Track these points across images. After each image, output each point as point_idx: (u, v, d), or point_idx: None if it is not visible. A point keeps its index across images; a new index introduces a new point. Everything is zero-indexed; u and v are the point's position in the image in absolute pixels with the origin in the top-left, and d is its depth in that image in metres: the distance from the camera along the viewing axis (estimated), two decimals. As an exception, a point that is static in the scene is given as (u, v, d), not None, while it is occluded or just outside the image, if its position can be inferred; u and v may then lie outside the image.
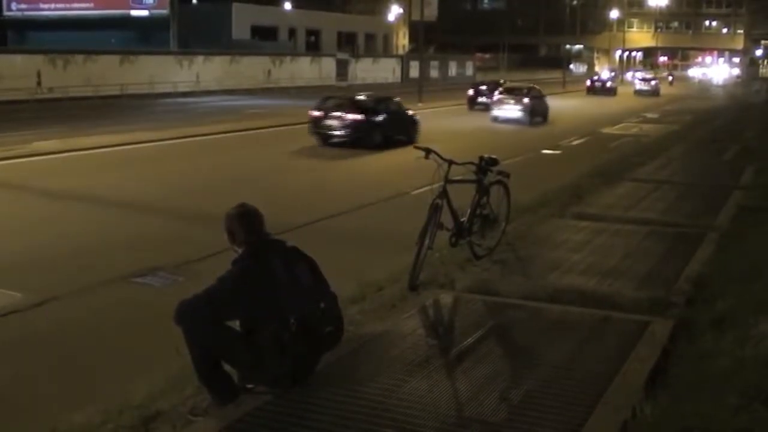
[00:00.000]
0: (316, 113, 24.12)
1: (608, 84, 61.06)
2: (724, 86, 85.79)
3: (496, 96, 34.67)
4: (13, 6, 63.96)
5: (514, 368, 5.59)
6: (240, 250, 5.05)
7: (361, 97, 26.02)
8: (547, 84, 66.86)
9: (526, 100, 33.56)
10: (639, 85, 63.29)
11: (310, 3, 72.42)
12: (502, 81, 42.53)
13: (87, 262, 10.41)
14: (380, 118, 24.09)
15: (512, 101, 33.66)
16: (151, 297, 8.75)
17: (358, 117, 23.45)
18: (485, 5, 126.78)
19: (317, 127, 23.82)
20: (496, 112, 33.65)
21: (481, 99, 39.00)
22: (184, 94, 45.14)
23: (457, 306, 7.19)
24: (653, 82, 63.23)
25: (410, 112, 26.37)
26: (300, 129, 29.04)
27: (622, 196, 13.20)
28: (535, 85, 36.93)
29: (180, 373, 5.32)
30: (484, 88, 40.26)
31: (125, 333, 7.74)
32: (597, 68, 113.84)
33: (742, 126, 28.83)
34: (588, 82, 62.24)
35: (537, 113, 33.82)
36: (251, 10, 62.62)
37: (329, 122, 23.61)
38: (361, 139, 22.97)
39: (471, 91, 41.08)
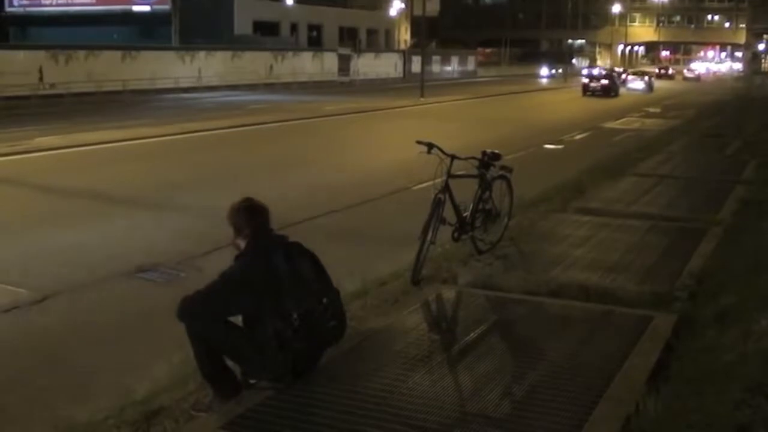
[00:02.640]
0: (586, 80, 52.75)
1: (669, 72, 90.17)
2: (716, 86, 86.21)
3: (629, 76, 64.17)
4: (15, 1, 64.04)
5: (516, 363, 5.59)
6: (244, 244, 5.04)
7: (604, 72, 56.82)
8: (549, 78, 67.72)
9: (646, 78, 62.46)
10: (687, 74, 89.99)
11: (312, -2, 72.33)
12: (621, 69, 76.64)
13: (89, 257, 10.41)
14: (613, 82, 52.17)
15: (638, 79, 62.30)
16: (154, 292, 8.75)
17: (606, 82, 51.61)
18: (487, 0, 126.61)
19: (586, 87, 51.30)
20: (629, 85, 60.50)
21: None
22: (186, 90, 45.10)
23: (459, 301, 7.19)
24: (696, 72, 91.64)
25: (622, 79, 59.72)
26: (301, 124, 29.13)
27: (624, 190, 13.19)
28: (649, 70, 74.60)
29: (182, 369, 5.32)
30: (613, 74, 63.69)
31: (128, 328, 7.74)
32: (599, 62, 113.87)
33: (744, 121, 28.76)
34: (657, 70, 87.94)
35: (650, 86, 60.20)
36: (253, 5, 62.53)
37: (592, 85, 51.29)
38: (604, 93, 49.72)
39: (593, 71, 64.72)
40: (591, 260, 8.41)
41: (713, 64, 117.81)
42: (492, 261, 8.37)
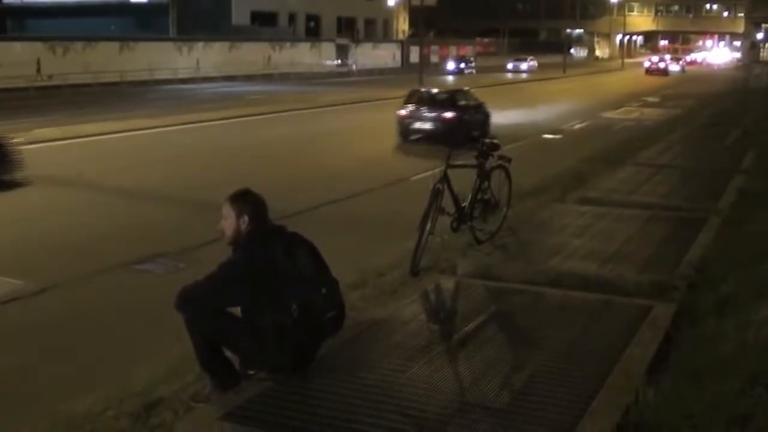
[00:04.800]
0: (648, 65, 76.76)
1: (698, 60, 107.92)
2: (724, 70, 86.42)
3: (664, 62, 78.49)
4: (12, -7, 63.82)
5: (516, 353, 5.58)
6: (240, 233, 5.01)
7: (664, 58, 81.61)
8: (548, 68, 67.18)
9: (681, 62, 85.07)
10: (713, 61, 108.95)
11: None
12: (667, 57, 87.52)
13: (88, 249, 10.41)
14: (666, 66, 75.11)
15: (675, 63, 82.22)
16: (152, 284, 8.75)
17: (663, 66, 75.70)
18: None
19: (648, 69, 74.29)
20: (670, 68, 76.31)
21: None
22: (184, 81, 45.08)
23: (458, 291, 7.17)
24: (721, 61, 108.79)
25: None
26: (299, 115, 29.09)
27: (623, 180, 13.17)
28: (684, 57, 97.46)
29: (181, 360, 5.31)
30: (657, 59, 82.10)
31: (126, 320, 7.73)
32: (598, 52, 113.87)
33: (743, 110, 28.76)
34: (688, 58, 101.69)
35: (683, 69, 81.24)
36: (251, -5, 62.45)
37: (653, 67, 74.73)
38: (661, 73, 72.44)
39: (653, 58, 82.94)
40: (590, 250, 8.39)
41: (725, 53, 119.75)
42: (491, 251, 8.36)
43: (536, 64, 73.84)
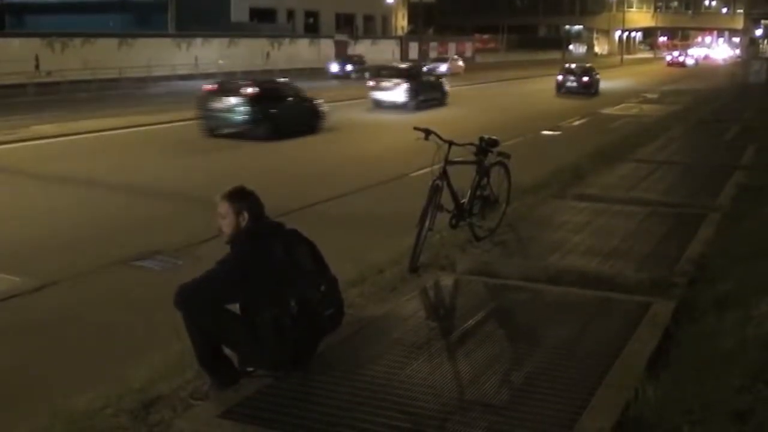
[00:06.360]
0: (669, 59, 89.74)
1: (711, 56, 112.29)
2: (725, 65, 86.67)
3: (683, 56, 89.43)
4: (11, -11, 63.74)
5: (515, 350, 5.57)
6: (236, 230, 4.99)
7: (683, 53, 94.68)
8: (547, 65, 66.91)
9: (696, 58, 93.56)
10: (716, 57, 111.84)
11: (309, -16, 72.01)
12: (688, 51, 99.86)
13: (87, 246, 10.39)
14: (685, 60, 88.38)
15: (692, 58, 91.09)
16: (151, 281, 8.74)
17: (682, 59, 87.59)
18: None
19: (669, 62, 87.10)
20: (687, 61, 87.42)
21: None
22: (183, 77, 44.96)
23: (458, 288, 7.17)
24: (723, 57, 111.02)
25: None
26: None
27: (622, 176, 13.15)
28: (698, 54, 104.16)
29: (180, 357, 5.30)
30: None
31: (125, 317, 7.72)
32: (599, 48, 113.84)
33: (742, 106, 28.74)
34: (702, 54, 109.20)
35: (697, 62, 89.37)
36: (249, -8, 62.34)
37: (673, 60, 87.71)
38: (680, 66, 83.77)
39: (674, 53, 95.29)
40: (589, 246, 8.38)
41: (726, 49, 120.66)
42: (490, 248, 8.35)
43: (462, 64, 61.10)
